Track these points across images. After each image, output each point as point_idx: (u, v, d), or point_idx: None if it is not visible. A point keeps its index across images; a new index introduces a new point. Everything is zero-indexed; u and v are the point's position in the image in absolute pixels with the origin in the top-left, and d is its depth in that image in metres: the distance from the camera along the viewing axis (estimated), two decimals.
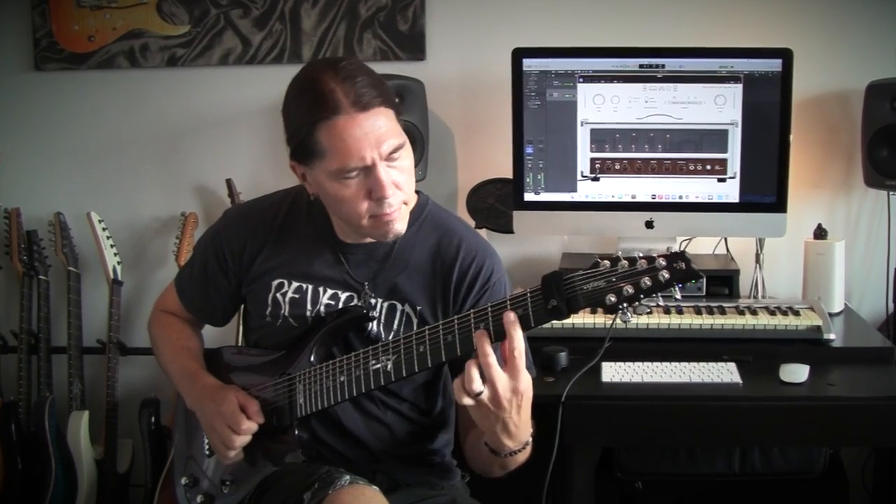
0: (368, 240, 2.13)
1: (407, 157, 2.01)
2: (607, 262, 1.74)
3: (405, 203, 2.03)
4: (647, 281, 1.69)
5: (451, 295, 2.14)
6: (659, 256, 1.70)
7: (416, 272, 2.15)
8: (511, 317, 1.81)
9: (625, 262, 1.72)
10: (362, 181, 1.96)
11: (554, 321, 1.81)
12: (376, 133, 1.93)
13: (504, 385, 1.81)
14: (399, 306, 2.14)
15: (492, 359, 1.80)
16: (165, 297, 2.43)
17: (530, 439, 1.97)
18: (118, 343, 3.39)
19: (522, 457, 1.99)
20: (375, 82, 1.96)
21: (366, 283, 2.15)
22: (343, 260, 2.16)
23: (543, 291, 1.78)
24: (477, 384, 1.81)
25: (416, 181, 2.22)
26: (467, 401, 1.83)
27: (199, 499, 2.21)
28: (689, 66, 2.94)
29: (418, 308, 2.14)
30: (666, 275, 1.68)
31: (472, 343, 1.85)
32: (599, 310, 1.79)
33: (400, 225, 2.03)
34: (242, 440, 2.07)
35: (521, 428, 1.90)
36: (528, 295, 1.80)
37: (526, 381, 1.84)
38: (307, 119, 1.94)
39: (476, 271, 2.14)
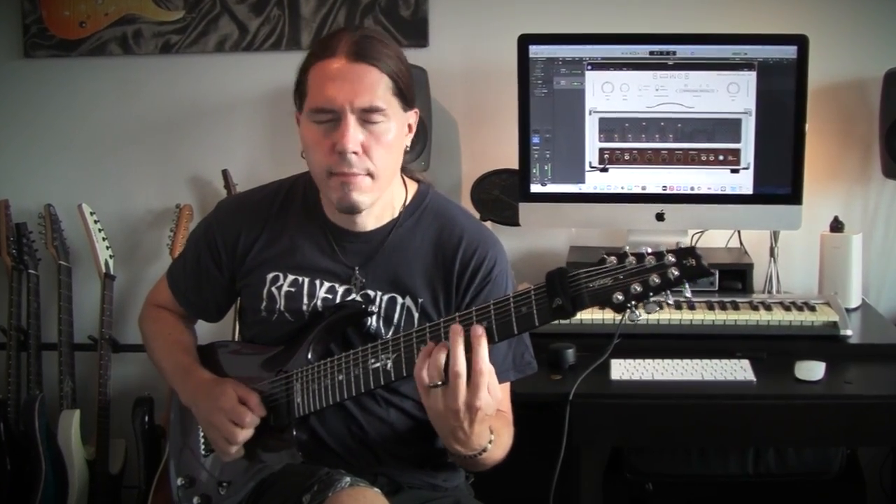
0: (359, 227, 2.15)
1: (387, 129, 2.02)
2: (614, 259, 1.73)
3: (371, 176, 2.03)
4: (655, 278, 1.69)
5: (452, 287, 2.14)
6: (668, 252, 1.69)
7: (416, 263, 2.15)
8: (478, 331, 1.82)
9: (632, 259, 1.71)
10: (331, 130, 2.00)
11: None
12: (356, 84, 1.97)
13: (462, 398, 1.81)
14: (399, 299, 2.14)
15: (461, 367, 1.80)
16: (157, 292, 2.44)
17: (488, 446, 1.96)
18: (110, 339, 3.40)
19: (489, 460, 2.00)
20: (386, 51, 2.01)
21: (356, 268, 2.15)
22: (336, 248, 2.17)
23: (548, 289, 1.77)
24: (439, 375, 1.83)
25: (419, 172, 2.24)
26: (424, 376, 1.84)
27: (196, 500, 2.21)
28: (701, 52, 2.94)
29: (420, 300, 2.14)
30: (675, 272, 1.68)
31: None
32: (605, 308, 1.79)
33: (361, 196, 2.04)
34: (246, 434, 2.07)
35: (472, 438, 1.90)
36: (532, 293, 1.80)
37: (485, 399, 1.82)
38: (307, 60, 2.05)
39: (478, 263, 2.14)
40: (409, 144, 2.14)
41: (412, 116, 2.12)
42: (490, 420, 1.93)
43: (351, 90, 1.97)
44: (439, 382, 1.82)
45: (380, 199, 2.11)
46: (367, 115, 1.99)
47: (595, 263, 1.75)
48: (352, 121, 1.98)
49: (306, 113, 2.03)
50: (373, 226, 2.16)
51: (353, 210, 2.07)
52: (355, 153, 1.99)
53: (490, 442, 1.96)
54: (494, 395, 1.86)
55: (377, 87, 1.99)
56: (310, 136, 2.04)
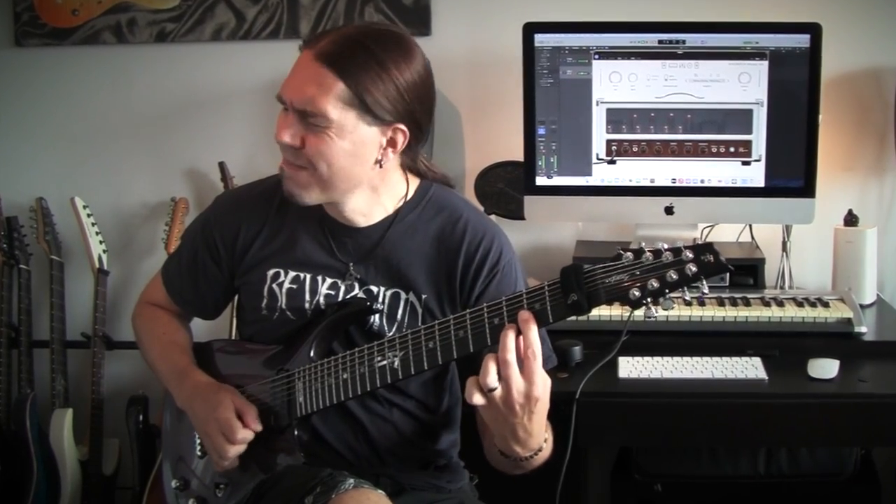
0: (351, 224, 2.15)
1: (328, 136, 1.98)
2: (630, 254, 1.73)
3: (303, 169, 2.02)
4: (672, 274, 1.69)
5: (457, 282, 2.13)
6: (685, 248, 1.70)
7: (419, 258, 2.15)
8: (525, 315, 1.80)
9: (649, 255, 1.71)
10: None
11: None
12: (302, 82, 1.97)
13: (518, 388, 1.80)
14: (403, 294, 2.14)
15: (511, 356, 1.79)
16: (151, 290, 2.43)
17: (544, 445, 1.96)
18: (104, 337, 3.39)
19: (539, 460, 1.99)
20: (365, 59, 1.96)
21: (350, 264, 2.15)
22: (332, 243, 2.16)
23: (562, 285, 1.77)
24: (492, 378, 1.79)
25: (434, 167, 2.24)
26: (478, 399, 1.82)
27: (192, 502, 2.21)
28: (711, 41, 2.93)
29: (423, 297, 2.13)
30: (693, 268, 1.68)
31: (486, 339, 1.85)
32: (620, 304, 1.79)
33: (298, 190, 2.05)
34: (237, 450, 2.07)
35: (532, 436, 1.89)
36: (546, 288, 1.79)
37: (542, 387, 1.82)
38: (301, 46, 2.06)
39: (483, 254, 2.13)
40: (380, 159, 2.06)
41: (392, 132, 2.05)
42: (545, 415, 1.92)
43: (296, 87, 1.98)
44: (496, 386, 1.81)
45: (353, 197, 2.10)
46: (305, 116, 1.98)
47: (610, 259, 1.76)
48: (292, 115, 1.99)
49: None
50: (364, 223, 2.15)
51: (293, 201, 2.07)
52: (292, 146, 2.00)
53: (545, 441, 1.97)
54: (547, 384, 1.85)
55: (324, 92, 1.95)
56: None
